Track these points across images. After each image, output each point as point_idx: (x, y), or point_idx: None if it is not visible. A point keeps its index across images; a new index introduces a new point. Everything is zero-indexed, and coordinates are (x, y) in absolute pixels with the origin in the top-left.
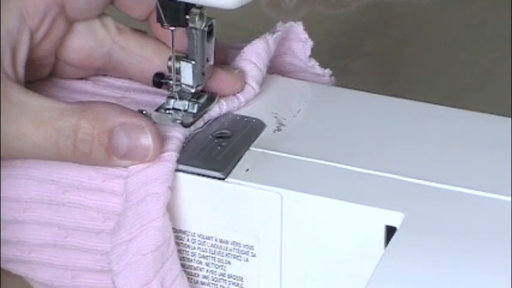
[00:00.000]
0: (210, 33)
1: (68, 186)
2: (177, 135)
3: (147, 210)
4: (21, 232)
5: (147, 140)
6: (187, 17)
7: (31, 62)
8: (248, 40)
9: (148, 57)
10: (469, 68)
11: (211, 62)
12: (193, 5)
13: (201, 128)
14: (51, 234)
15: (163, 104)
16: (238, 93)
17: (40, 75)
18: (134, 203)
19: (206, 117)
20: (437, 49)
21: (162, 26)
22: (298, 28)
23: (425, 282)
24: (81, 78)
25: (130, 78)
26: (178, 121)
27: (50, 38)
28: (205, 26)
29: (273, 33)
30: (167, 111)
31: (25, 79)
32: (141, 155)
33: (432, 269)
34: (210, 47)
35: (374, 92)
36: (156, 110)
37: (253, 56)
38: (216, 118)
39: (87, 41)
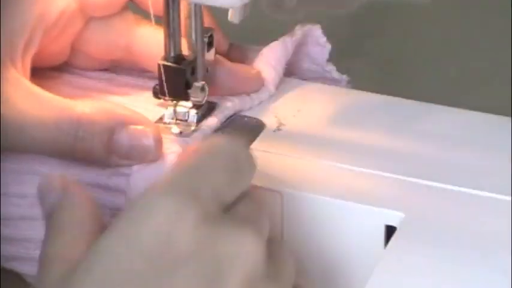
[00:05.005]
0: (209, 44)
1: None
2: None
3: None
4: (27, 229)
5: (148, 140)
6: (189, 91)
7: (46, 51)
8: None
9: None
10: (469, 68)
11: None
12: (195, 80)
13: (216, 128)
14: None
15: (163, 115)
16: (253, 93)
17: (54, 62)
18: None
19: (221, 116)
20: (437, 49)
21: (164, 98)
22: (317, 32)
23: (425, 282)
24: (94, 77)
25: (148, 70)
26: (178, 132)
27: (67, 33)
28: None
29: (292, 36)
30: (167, 123)
31: (38, 66)
32: (141, 156)
33: (432, 269)
34: (210, 57)
35: (374, 92)
36: (157, 122)
37: (272, 58)
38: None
39: (106, 33)
